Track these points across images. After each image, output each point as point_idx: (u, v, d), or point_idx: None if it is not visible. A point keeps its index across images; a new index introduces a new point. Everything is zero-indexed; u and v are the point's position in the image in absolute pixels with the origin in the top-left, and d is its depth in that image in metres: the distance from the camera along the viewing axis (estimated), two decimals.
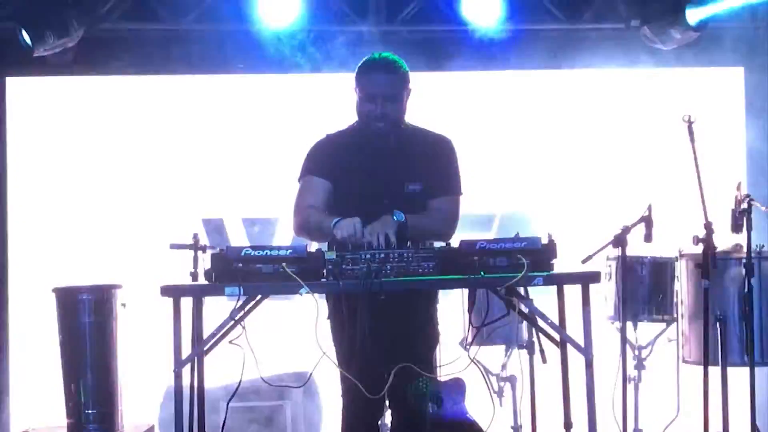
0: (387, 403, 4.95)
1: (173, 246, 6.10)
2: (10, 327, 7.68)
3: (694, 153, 5.70)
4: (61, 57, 7.44)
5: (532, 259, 4.43)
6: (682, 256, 6.32)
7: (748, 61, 7.92)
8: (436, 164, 4.89)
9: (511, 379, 6.42)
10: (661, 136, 7.61)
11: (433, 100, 7.83)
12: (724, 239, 5.90)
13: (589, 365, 4.55)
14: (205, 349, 4.66)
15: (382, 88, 4.78)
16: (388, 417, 5.53)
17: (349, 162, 4.85)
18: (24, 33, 7.22)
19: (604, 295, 6.53)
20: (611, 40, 7.94)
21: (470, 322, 5.85)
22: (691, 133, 5.73)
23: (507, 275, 4.40)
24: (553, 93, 8.09)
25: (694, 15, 7.50)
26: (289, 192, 6.90)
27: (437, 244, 4.66)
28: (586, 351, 4.54)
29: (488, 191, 7.79)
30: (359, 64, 4.93)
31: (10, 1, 7.44)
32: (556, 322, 4.71)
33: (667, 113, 7.22)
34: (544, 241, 4.51)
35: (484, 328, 5.66)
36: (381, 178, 4.81)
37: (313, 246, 4.79)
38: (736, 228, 5.81)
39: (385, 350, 4.47)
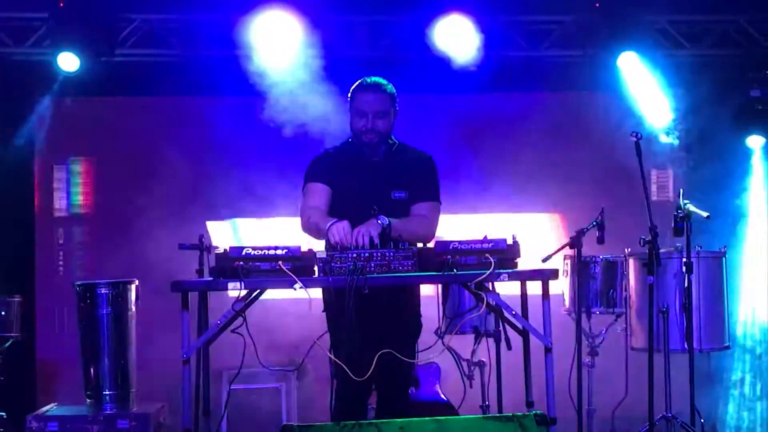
0: (373, 385, 4.94)
1: (182, 246, 6.09)
2: (36, 317, 7.64)
3: (641, 165, 5.73)
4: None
5: (498, 257, 4.47)
6: (629, 255, 6.34)
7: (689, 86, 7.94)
8: (418, 176, 4.92)
9: (480, 364, 6.43)
10: (612, 150, 7.63)
11: (410, 118, 7.87)
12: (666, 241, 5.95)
13: (548, 351, 4.59)
14: (209, 337, 4.65)
15: (372, 105, 4.83)
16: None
17: (343, 172, 4.87)
18: (60, 58, 7.25)
19: (562, 290, 6.55)
20: (569, 66, 7.98)
21: (444, 313, 5.89)
22: (638, 148, 5.76)
23: (477, 272, 4.43)
24: (517, 112, 8.11)
25: (624, 59, 7.58)
26: (284, 199, 6.94)
27: (419, 245, 4.68)
28: (546, 339, 4.57)
29: (463, 196, 7.83)
30: (353, 86, 4.95)
31: (44, 30, 7.45)
32: (520, 313, 4.72)
33: (619, 130, 7.25)
34: (509, 242, 4.54)
35: (456, 318, 5.70)
36: (370, 187, 4.83)
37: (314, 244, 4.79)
38: (677, 231, 5.85)
39: (372, 338, 4.49)
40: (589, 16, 7.67)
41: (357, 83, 4.94)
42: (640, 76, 7.72)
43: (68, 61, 7.31)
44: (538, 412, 4.13)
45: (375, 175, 4.87)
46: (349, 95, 4.94)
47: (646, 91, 7.79)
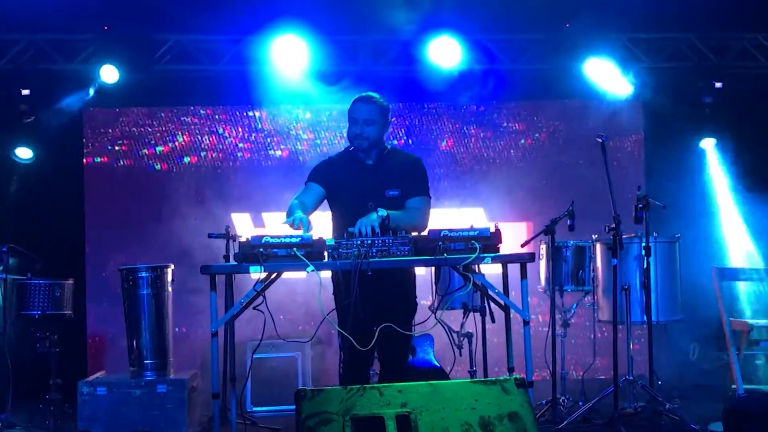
0: (376, 355, 4.93)
1: (211, 235, 6.09)
2: (87, 298, 7.65)
3: (606, 163, 5.72)
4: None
5: (483, 243, 4.46)
6: (596, 241, 6.35)
7: (648, 94, 7.92)
8: (409, 175, 4.87)
9: (468, 335, 6.42)
10: (583, 150, 7.63)
11: (407, 125, 7.87)
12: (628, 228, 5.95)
13: (526, 324, 4.58)
14: (234, 313, 4.65)
15: (361, 113, 4.81)
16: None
17: (342, 175, 4.85)
18: (102, 71, 7.25)
19: (538, 271, 6.55)
20: (543, 77, 7.96)
21: (436, 291, 5.87)
22: (603, 148, 5.75)
23: (464, 256, 4.43)
24: (499, 118, 8.11)
25: (589, 67, 7.55)
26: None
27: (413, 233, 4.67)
28: (524, 313, 4.56)
29: (454, 192, 7.82)
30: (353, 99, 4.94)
31: (91, 50, 7.44)
32: (502, 291, 4.72)
33: (587, 133, 7.24)
34: (492, 230, 4.53)
35: (447, 296, 5.69)
36: (366, 186, 4.79)
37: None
38: (637, 220, 5.85)
39: (374, 315, 4.48)
40: (560, 34, 7.65)
41: (354, 97, 4.93)
42: (600, 80, 7.69)
43: (109, 73, 7.31)
44: (518, 376, 4.12)
45: (369, 177, 4.83)
46: (349, 107, 4.93)
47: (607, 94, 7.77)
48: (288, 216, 4.65)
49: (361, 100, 4.86)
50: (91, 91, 7.41)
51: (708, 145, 7.88)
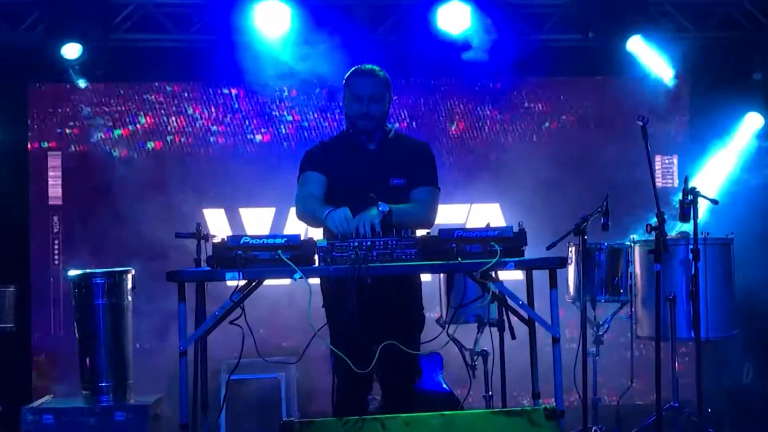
0: (374, 376, 4.82)
1: (179, 235, 5.97)
2: (31, 307, 7.54)
3: (647, 151, 5.62)
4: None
5: (504, 246, 4.33)
6: (635, 242, 6.25)
7: (694, 70, 7.84)
8: (416, 163, 4.83)
9: (483, 354, 6.31)
10: (618, 136, 7.55)
11: (410, 105, 7.78)
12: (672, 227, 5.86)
13: (556, 342, 4.46)
14: (207, 328, 4.53)
15: (367, 89, 4.76)
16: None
17: (340, 161, 4.78)
18: (64, 48, 7.16)
19: (566, 277, 6.44)
20: (570, 50, 7.88)
21: (448, 303, 5.77)
22: (644, 133, 5.64)
23: (482, 261, 4.30)
24: (519, 97, 8.03)
25: (633, 44, 7.47)
26: (281, 186, 6.81)
27: (419, 233, 4.55)
28: (554, 329, 4.44)
29: (465, 184, 7.73)
30: (348, 74, 4.89)
31: (38, 15, 7.34)
32: (525, 302, 4.60)
33: (622, 116, 7.16)
34: (515, 229, 4.41)
35: (461, 309, 5.59)
36: (368, 174, 4.73)
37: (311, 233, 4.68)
38: (684, 217, 5.75)
39: (374, 331, 4.38)
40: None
41: (352, 70, 4.90)
42: (646, 59, 7.60)
43: (71, 50, 7.23)
44: (548, 406, 4.01)
45: (372, 163, 4.79)
46: (344, 82, 4.89)
47: (652, 74, 7.67)
48: (319, 214, 4.51)
49: (363, 74, 4.83)
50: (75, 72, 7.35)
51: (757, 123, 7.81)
